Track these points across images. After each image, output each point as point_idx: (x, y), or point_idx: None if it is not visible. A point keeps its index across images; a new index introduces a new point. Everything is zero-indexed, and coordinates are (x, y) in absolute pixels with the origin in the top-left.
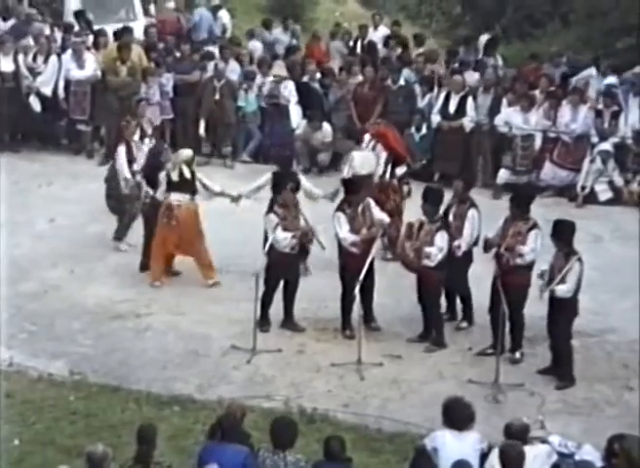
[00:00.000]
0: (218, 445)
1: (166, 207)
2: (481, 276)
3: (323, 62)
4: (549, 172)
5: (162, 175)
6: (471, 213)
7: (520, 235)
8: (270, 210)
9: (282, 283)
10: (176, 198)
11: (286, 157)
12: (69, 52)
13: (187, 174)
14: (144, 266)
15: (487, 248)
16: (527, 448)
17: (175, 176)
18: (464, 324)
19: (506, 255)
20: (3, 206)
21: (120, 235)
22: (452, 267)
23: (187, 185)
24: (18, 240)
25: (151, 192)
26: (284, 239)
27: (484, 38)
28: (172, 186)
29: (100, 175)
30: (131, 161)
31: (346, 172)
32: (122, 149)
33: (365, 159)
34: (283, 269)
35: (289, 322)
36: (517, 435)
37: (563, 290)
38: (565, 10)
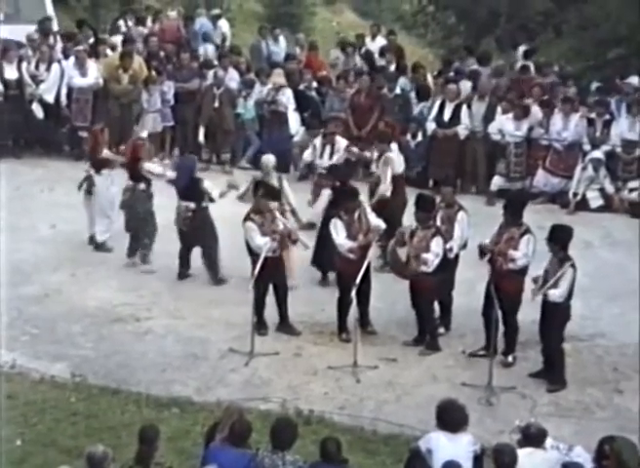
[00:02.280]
0: (222, 447)
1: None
2: (473, 280)
3: (321, 71)
4: (542, 179)
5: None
6: (460, 215)
7: (513, 240)
8: (247, 218)
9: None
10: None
11: (284, 164)
12: (71, 59)
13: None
14: (183, 275)
15: (481, 253)
16: (539, 452)
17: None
18: (442, 330)
19: (499, 260)
20: (6, 211)
21: (148, 255)
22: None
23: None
24: (20, 245)
25: (192, 206)
26: (264, 244)
27: (522, 48)
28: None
29: None
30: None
31: (389, 173)
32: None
33: (400, 159)
34: (269, 273)
35: (284, 325)
36: (534, 437)
37: (555, 294)
38: (557, 21)
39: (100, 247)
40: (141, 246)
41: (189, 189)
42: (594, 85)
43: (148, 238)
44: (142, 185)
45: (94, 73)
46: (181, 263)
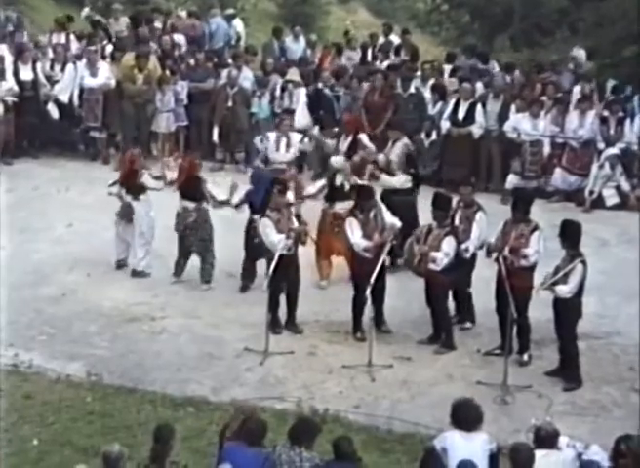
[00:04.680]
0: (238, 447)
1: (334, 216)
2: (490, 279)
3: (335, 70)
4: (559, 177)
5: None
6: (479, 215)
7: (523, 237)
8: (264, 215)
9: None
10: (342, 207)
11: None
12: (84, 60)
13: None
14: (245, 288)
15: (489, 252)
16: (554, 453)
17: (338, 184)
18: (468, 324)
19: (510, 258)
20: (25, 212)
21: (212, 274)
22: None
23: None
24: (38, 245)
25: (256, 217)
26: (279, 241)
27: (582, 53)
28: (337, 196)
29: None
30: None
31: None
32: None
33: None
34: (283, 271)
35: (290, 323)
36: (546, 439)
37: (564, 290)
38: (573, 19)
39: (138, 274)
40: (209, 265)
41: (259, 200)
42: (611, 82)
43: (213, 256)
44: (205, 203)
45: (104, 73)
46: (245, 276)
